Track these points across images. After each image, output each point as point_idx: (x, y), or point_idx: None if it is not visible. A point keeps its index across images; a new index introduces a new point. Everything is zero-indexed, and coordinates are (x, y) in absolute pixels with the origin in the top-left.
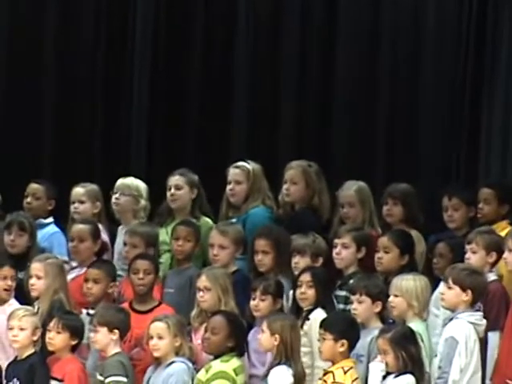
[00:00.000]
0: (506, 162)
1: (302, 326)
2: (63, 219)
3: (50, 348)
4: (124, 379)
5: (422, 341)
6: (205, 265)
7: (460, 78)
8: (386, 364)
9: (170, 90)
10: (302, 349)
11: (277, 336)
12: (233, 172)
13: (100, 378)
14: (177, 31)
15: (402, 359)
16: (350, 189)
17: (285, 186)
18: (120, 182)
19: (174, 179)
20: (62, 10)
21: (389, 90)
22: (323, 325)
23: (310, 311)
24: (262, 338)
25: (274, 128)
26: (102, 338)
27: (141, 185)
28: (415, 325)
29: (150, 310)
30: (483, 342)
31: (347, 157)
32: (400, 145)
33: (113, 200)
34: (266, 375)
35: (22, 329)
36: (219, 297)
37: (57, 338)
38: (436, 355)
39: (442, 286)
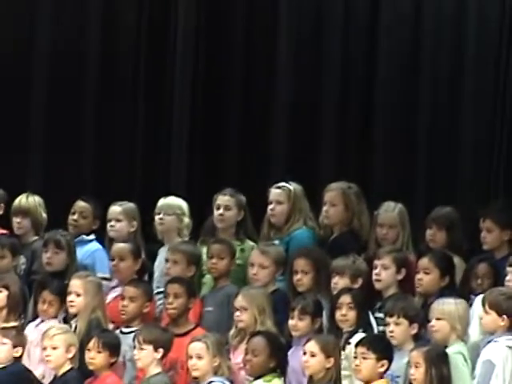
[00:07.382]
0: None
1: (343, 349)
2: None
3: (91, 367)
4: None
5: (466, 361)
6: None
7: (500, 98)
8: (414, 379)
9: (209, 112)
10: (343, 372)
11: (331, 359)
12: (274, 192)
13: None
14: (217, 46)
15: (431, 377)
16: (393, 210)
17: (324, 208)
18: (162, 201)
19: (225, 199)
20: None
21: (429, 113)
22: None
23: (350, 334)
24: (314, 361)
25: (314, 149)
26: (147, 356)
27: (182, 203)
28: (458, 346)
29: (186, 334)
30: None
31: (386, 179)
32: (439, 168)
33: (157, 220)
34: None
35: (54, 348)
36: (255, 317)
37: (97, 358)
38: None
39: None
